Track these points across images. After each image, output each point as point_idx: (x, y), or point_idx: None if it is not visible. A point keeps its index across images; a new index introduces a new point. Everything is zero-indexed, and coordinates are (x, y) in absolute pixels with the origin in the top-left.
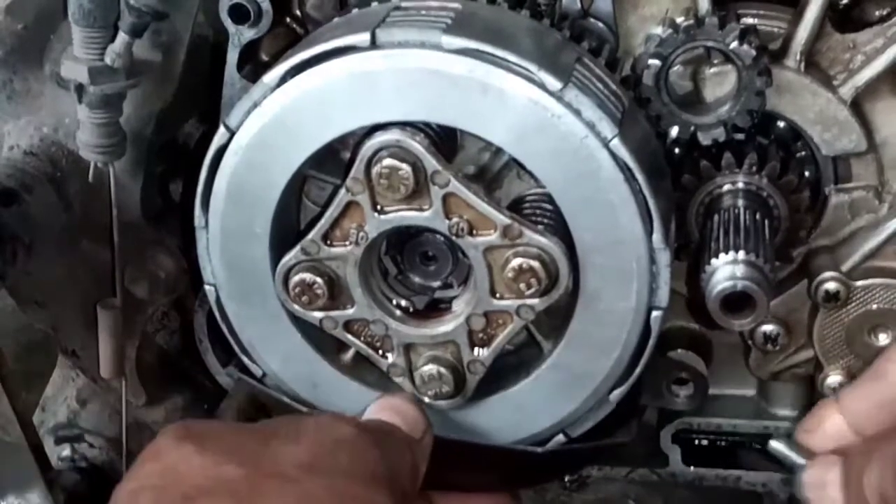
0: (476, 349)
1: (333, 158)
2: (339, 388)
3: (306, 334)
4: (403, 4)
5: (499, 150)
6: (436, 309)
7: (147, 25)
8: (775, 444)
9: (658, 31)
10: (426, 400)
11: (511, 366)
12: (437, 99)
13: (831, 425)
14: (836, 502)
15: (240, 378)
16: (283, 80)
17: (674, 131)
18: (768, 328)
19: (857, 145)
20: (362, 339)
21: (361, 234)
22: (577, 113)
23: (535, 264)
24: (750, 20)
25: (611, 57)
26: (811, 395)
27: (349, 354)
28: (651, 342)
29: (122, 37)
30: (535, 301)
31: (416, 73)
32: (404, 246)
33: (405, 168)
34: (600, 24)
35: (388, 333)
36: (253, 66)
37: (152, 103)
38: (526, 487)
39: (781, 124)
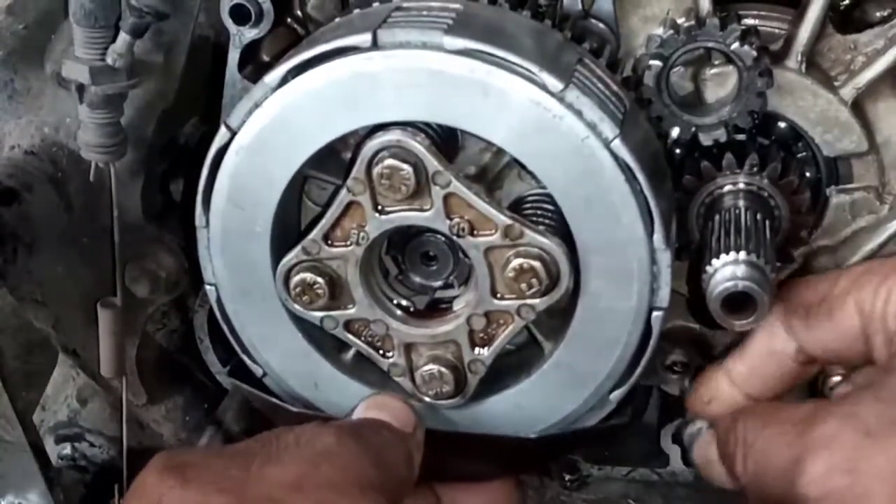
0: (477, 349)
1: (334, 159)
2: (339, 387)
3: (307, 334)
4: (405, 5)
5: (500, 151)
6: (436, 309)
7: (148, 26)
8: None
9: (659, 31)
10: (427, 400)
11: (512, 366)
12: (438, 99)
13: (722, 390)
14: (724, 477)
15: (237, 386)
16: (285, 80)
17: (675, 132)
18: None
19: (858, 146)
20: (363, 338)
21: (362, 234)
22: (579, 113)
23: (536, 264)
24: (751, 21)
25: (612, 58)
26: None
27: (350, 354)
28: (652, 342)
29: (123, 37)
30: (535, 301)
31: (418, 73)
32: (405, 246)
33: (406, 168)
34: (601, 25)
35: (389, 333)
36: (254, 66)
37: (153, 103)
38: (524, 473)
39: (782, 125)
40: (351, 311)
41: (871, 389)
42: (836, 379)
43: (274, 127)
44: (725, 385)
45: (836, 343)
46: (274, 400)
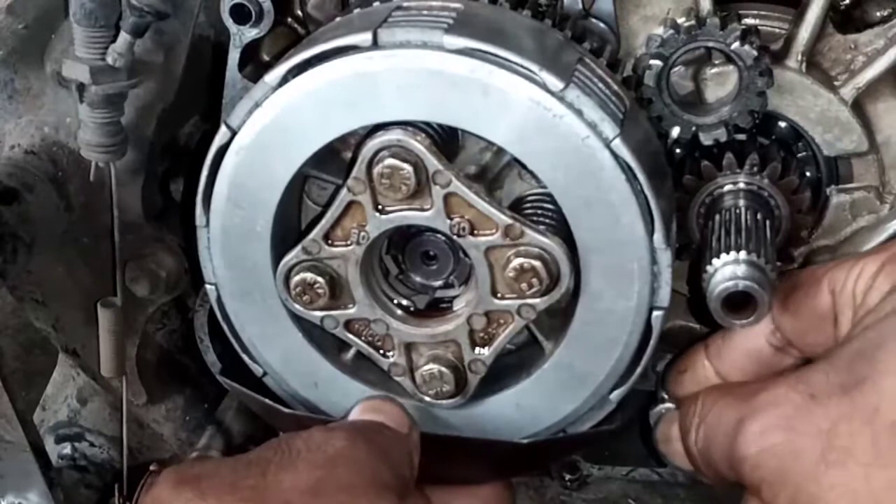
0: (477, 348)
1: (334, 158)
2: (340, 387)
3: (307, 333)
4: (405, 4)
5: (500, 150)
6: (437, 308)
7: (149, 25)
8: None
9: (659, 31)
10: (427, 399)
11: (512, 365)
12: (438, 99)
13: (699, 370)
14: (682, 455)
15: (229, 386)
16: (285, 79)
17: (675, 132)
18: None
19: (859, 146)
20: (363, 338)
21: (363, 233)
22: (579, 113)
23: (537, 264)
24: (751, 21)
25: (612, 57)
26: None
27: (350, 354)
28: (652, 342)
29: (123, 36)
30: (536, 301)
31: (418, 73)
32: (405, 245)
33: (406, 168)
34: (602, 25)
35: (389, 333)
36: (254, 65)
37: (154, 103)
38: (516, 477)
39: (783, 125)
40: (351, 311)
41: (825, 358)
42: None
43: (274, 126)
44: (702, 359)
45: (807, 323)
46: (266, 401)
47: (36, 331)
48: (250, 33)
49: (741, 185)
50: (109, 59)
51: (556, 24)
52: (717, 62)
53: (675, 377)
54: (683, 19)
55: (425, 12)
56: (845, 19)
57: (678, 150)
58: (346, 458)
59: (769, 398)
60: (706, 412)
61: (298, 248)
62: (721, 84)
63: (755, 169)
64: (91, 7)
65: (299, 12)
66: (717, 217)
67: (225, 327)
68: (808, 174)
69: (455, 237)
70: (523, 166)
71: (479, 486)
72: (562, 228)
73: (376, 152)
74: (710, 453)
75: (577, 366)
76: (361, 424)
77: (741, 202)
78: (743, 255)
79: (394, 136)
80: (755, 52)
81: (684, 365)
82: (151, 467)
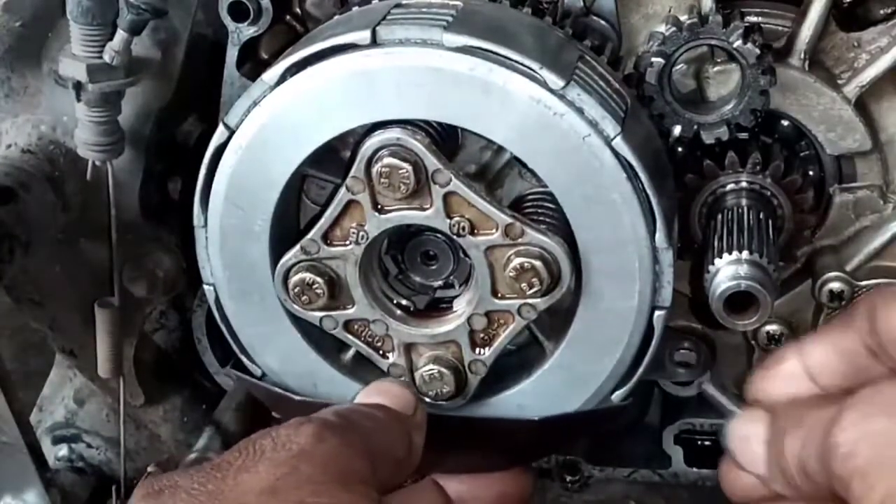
0: (477, 349)
1: (333, 157)
2: (339, 388)
3: (306, 334)
4: (404, 2)
5: (500, 149)
6: (437, 308)
7: (146, 23)
8: (710, 390)
9: (661, 29)
10: (427, 400)
11: (513, 366)
12: (438, 97)
13: (789, 367)
14: (758, 457)
15: (238, 377)
16: (283, 78)
17: (677, 130)
18: (772, 328)
19: (862, 144)
20: (362, 338)
21: (362, 233)
22: (580, 111)
23: (537, 264)
24: (754, 18)
25: (613, 55)
26: None
27: (349, 354)
28: (654, 342)
29: (120, 34)
30: (536, 301)
31: (418, 71)
32: (405, 245)
33: (406, 167)
34: (603, 22)
35: (389, 333)
36: (252, 64)
37: (151, 101)
38: (529, 461)
39: (785, 123)
40: (350, 311)
41: None
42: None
43: (272, 125)
44: (793, 356)
45: None
46: (277, 390)
47: (33, 331)
48: (248, 31)
49: (743, 185)
50: (106, 58)
51: (557, 22)
52: (719, 60)
53: (763, 376)
54: (685, 17)
55: (425, 10)
56: (848, 17)
57: (680, 149)
58: (309, 455)
59: (872, 388)
60: (807, 413)
61: (297, 247)
62: (723, 82)
63: (758, 168)
64: (88, 5)
65: (298, 10)
66: (720, 216)
67: (223, 328)
68: (810, 173)
69: (455, 237)
70: (523, 165)
71: (494, 474)
72: (563, 228)
73: (375, 151)
74: (806, 456)
75: (578, 366)
76: (345, 410)
77: (743, 201)
78: (745, 254)
79: (393, 134)
80: (758, 50)
81: (772, 363)
82: (149, 468)
